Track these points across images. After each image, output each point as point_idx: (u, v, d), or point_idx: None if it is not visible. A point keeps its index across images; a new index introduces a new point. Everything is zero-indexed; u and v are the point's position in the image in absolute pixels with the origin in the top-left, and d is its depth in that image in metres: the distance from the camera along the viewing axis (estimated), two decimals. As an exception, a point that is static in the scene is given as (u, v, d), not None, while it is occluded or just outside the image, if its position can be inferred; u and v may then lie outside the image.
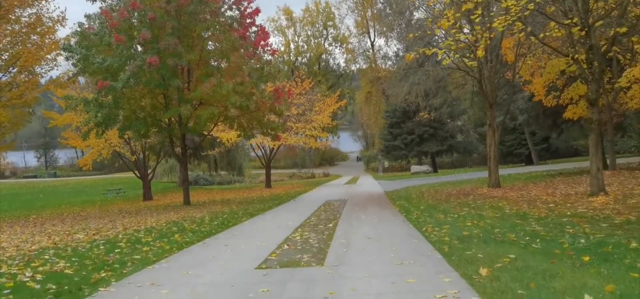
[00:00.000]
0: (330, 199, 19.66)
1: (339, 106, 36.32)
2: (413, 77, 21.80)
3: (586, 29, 10.53)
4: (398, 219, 11.56)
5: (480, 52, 10.69)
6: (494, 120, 17.84)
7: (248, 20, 21.07)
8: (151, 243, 9.02)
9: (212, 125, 21.83)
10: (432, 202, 15.13)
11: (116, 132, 23.02)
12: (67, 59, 18.70)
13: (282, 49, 75.36)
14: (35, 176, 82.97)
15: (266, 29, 22.04)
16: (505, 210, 11.36)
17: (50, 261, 7.54)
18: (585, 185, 16.58)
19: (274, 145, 32.19)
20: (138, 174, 29.87)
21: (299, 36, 76.96)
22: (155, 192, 34.33)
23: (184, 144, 21.29)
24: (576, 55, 10.95)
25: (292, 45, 76.25)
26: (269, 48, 21.12)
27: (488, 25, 12.18)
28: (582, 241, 6.72)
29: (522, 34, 10.80)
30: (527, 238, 7.26)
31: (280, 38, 75.70)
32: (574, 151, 52.62)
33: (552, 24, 9.88)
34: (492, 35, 11.40)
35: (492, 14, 12.04)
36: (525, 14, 9.79)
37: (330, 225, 11.04)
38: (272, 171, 61.92)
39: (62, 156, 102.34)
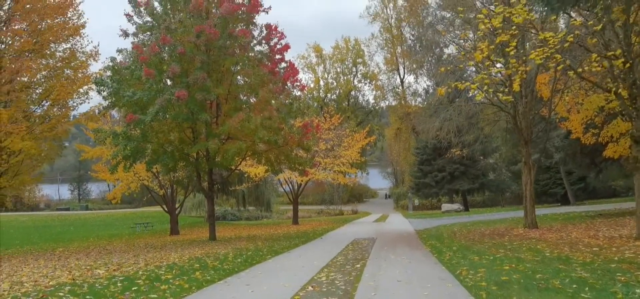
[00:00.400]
0: (359, 238, 19.10)
1: (368, 141, 35.91)
2: (444, 113, 21.26)
3: (630, 63, 9.95)
4: (429, 260, 10.96)
5: (515, 86, 10.19)
6: (530, 157, 17.13)
7: (278, 56, 21.05)
8: (170, 281, 8.67)
9: (240, 160, 21.65)
10: (465, 243, 14.44)
11: (145, 166, 23.16)
12: (98, 92, 18.89)
13: (312, 85, 75.80)
14: (67, 209, 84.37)
15: (295, 65, 21.95)
16: (545, 253, 10.64)
17: (64, 298, 7.24)
18: (629, 228, 15.67)
19: (302, 180, 31.84)
20: (166, 209, 29.84)
21: (328, 73, 77.32)
22: (182, 227, 34.26)
23: (211, 178, 21.14)
24: (619, 90, 10.34)
25: (321, 82, 76.60)
26: (298, 83, 20.94)
27: (524, 58, 11.70)
28: (638, 291, 6.07)
29: (560, 67, 10.28)
30: (574, 286, 6.63)
31: (310, 75, 76.19)
32: (612, 192, 50.69)
33: (594, 56, 9.35)
34: (527, 69, 10.91)
35: (527, 46, 11.56)
36: (564, 45, 9.30)
37: (358, 265, 10.52)
38: (301, 207, 61.48)
39: (94, 189, 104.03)
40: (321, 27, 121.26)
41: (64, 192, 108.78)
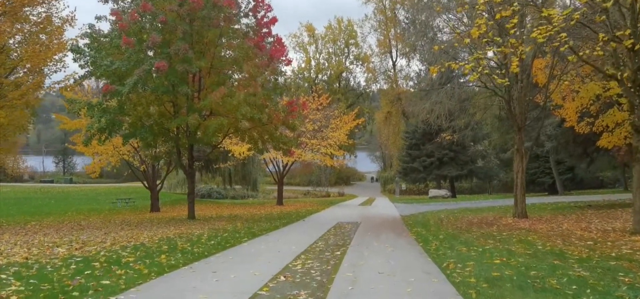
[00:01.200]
0: (342, 221, 18.43)
1: (357, 123, 35.13)
2: (435, 96, 20.51)
3: (637, 46, 9.23)
4: (415, 249, 10.28)
5: (513, 68, 9.46)
6: (523, 145, 16.48)
7: (264, 30, 20.15)
8: (131, 264, 7.90)
9: (221, 137, 20.80)
10: (452, 231, 13.80)
11: (121, 140, 22.23)
12: (75, 60, 17.90)
13: (303, 65, 74.78)
14: (51, 181, 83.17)
15: (283, 41, 21.01)
16: (538, 246, 10.00)
17: (5, 281, 6.46)
18: (622, 221, 15.14)
19: (287, 161, 31.05)
20: (146, 185, 28.96)
21: (320, 53, 76.30)
22: (165, 204, 33.45)
23: (192, 155, 20.28)
24: (624, 75, 9.65)
25: (313, 62, 75.60)
26: (284, 58, 20.03)
27: (523, 38, 10.98)
28: (645, 295, 5.41)
29: (564, 48, 9.54)
30: (574, 287, 5.95)
31: (302, 54, 75.12)
32: (599, 183, 50.65)
33: (601, 36, 8.62)
34: (527, 49, 10.17)
35: (527, 25, 10.81)
36: (570, 23, 8.55)
37: (338, 253, 9.82)
38: (287, 188, 60.79)
39: (79, 162, 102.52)
40: (314, 9, 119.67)
41: (49, 164, 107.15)
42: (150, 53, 18.16)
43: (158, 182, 29.55)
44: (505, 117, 21.63)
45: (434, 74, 10.99)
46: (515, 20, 9.34)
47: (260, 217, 20.82)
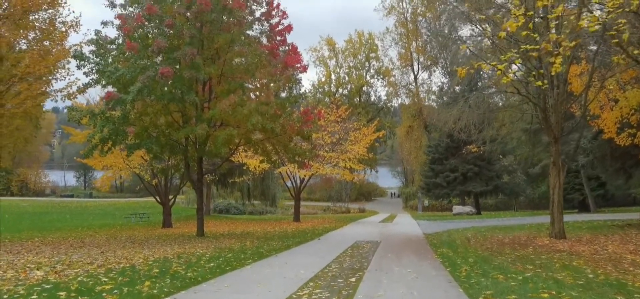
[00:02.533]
0: (361, 240, 17.04)
1: (377, 136, 33.69)
2: (463, 104, 19.07)
3: None
4: (442, 276, 8.88)
5: (556, 66, 8.08)
6: (559, 157, 14.94)
7: (279, 38, 19.07)
8: (103, 295, 6.69)
9: (232, 149, 19.64)
10: (482, 253, 12.33)
11: (138, 153, 21.27)
12: (78, 67, 17.02)
13: (323, 79, 73.73)
14: (71, 196, 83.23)
15: (299, 49, 19.86)
16: (587, 274, 8.52)
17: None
18: (675, 243, 13.50)
19: (304, 175, 29.78)
20: (159, 200, 27.96)
21: (340, 67, 75.18)
22: (179, 220, 32.44)
23: (201, 168, 19.16)
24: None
25: (333, 76, 74.46)
26: (299, 66, 18.85)
27: (566, 31, 9.61)
28: None
29: (626, 36, 8.13)
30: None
31: (322, 68, 74.10)
32: (632, 200, 48.24)
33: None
34: (572, 44, 8.79)
35: (572, 17, 9.41)
36: (628, 9, 7.17)
37: (353, 279, 8.48)
38: (306, 203, 59.62)
39: (100, 177, 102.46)
40: (335, 23, 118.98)
41: (70, 179, 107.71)
42: (158, 59, 17.19)
43: (171, 197, 28.50)
44: (539, 127, 20.03)
45: (462, 76, 9.67)
46: (559, 10, 7.98)
47: (273, 235, 19.55)
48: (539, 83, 10.69)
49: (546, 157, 38.11)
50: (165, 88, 16.33)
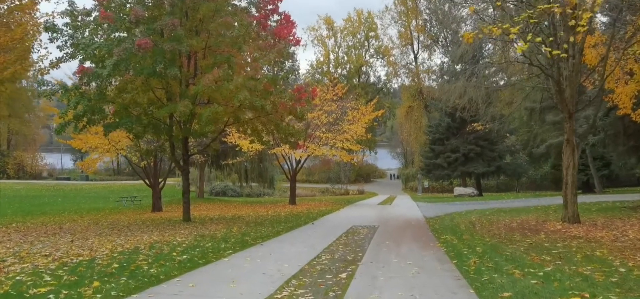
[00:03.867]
0: (357, 225, 15.84)
1: (376, 115, 32.28)
2: (465, 82, 17.75)
3: None
4: (447, 271, 7.67)
5: (584, 20, 6.79)
6: (573, 135, 13.66)
7: (270, 7, 17.69)
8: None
9: (219, 128, 18.34)
10: (491, 240, 11.13)
11: (124, 134, 20.00)
12: (51, 40, 15.67)
13: (322, 59, 72.20)
14: (68, 178, 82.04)
15: (292, 18, 18.49)
16: (616, 267, 7.31)
17: None
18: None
19: (300, 156, 28.50)
20: (147, 182, 26.72)
21: (339, 47, 73.58)
22: (172, 203, 31.21)
23: (186, 148, 17.88)
24: None
25: (332, 56, 72.92)
26: (292, 37, 17.50)
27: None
28: None
29: None
30: None
31: (320, 48, 72.52)
32: (636, 180, 47.13)
33: None
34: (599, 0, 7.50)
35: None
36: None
37: (344, 276, 7.27)
38: (304, 186, 58.47)
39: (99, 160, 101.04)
40: (336, 4, 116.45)
41: (67, 161, 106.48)
42: (138, 31, 15.84)
43: (160, 179, 27.26)
44: (545, 106, 18.77)
45: (469, 42, 8.43)
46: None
47: (265, 219, 18.36)
48: (557, 52, 9.40)
49: (551, 137, 36.87)
50: (145, 62, 14.99)
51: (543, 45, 10.42)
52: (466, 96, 17.54)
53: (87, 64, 15.47)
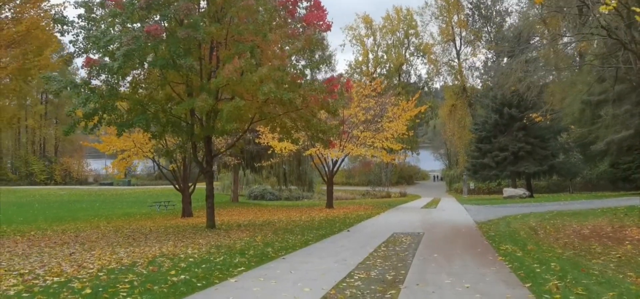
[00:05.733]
0: (399, 232, 13.89)
1: (419, 111, 30.06)
2: (521, 65, 15.49)
3: None
4: (521, 296, 5.70)
5: None
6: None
7: (298, -9, 15.96)
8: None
9: (244, 126, 16.72)
10: (563, 252, 9.02)
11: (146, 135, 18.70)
12: (61, 34, 14.45)
13: (361, 59, 70.26)
14: (111, 184, 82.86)
15: (322, 5, 16.70)
16: None
17: None
18: None
19: (337, 157, 26.63)
20: (177, 187, 25.46)
21: (378, 46, 71.49)
22: (204, 207, 29.97)
23: (209, 149, 16.35)
24: None
25: (371, 55, 70.85)
26: (322, 23, 15.66)
27: None
28: None
29: None
30: None
31: (359, 47, 70.58)
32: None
33: None
34: None
35: None
36: None
37: (381, 306, 5.43)
38: (344, 188, 56.50)
39: (140, 165, 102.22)
40: (372, 6, 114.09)
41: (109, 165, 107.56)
42: (153, 20, 14.40)
43: (190, 184, 25.94)
44: (614, 96, 16.31)
45: (539, 2, 6.45)
46: None
47: (296, 226, 16.63)
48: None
49: (610, 132, 33.79)
50: (159, 52, 13.53)
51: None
52: (526, 81, 15.25)
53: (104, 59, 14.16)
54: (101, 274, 7.41)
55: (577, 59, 31.38)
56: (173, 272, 7.51)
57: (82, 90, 13.54)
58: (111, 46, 13.48)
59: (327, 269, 7.81)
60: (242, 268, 7.92)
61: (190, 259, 8.79)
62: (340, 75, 18.73)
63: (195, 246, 11.05)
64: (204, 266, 8.12)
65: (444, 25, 65.29)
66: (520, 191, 37.93)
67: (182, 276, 7.14)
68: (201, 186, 35.09)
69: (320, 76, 20.08)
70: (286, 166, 49.40)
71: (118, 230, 17.04)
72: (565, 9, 11.98)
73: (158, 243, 12.05)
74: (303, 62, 15.71)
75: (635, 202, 23.39)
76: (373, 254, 9.57)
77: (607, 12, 7.97)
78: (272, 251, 9.98)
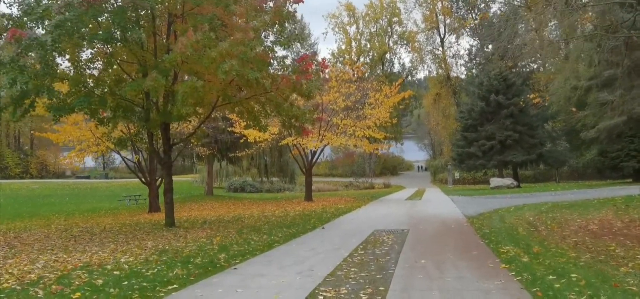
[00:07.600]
0: (381, 229, 12.19)
1: (402, 97, 28.34)
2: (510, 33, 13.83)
3: None
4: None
5: None
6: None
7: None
8: None
9: (206, 110, 14.84)
10: (577, 255, 7.39)
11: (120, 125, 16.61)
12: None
13: (343, 47, 68.46)
14: (88, 177, 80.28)
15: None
16: None
17: None
18: None
19: (315, 147, 24.82)
20: (143, 180, 23.51)
21: (361, 34, 69.71)
22: (177, 201, 28.01)
23: (167, 137, 14.44)
24: None
25: (353, 44, 69.07)
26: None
27: None
28: None
29: None
30: None
31: (342, 36, 68.79)
32: None
33: None
34: None
35: None
36: None
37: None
38: (327, 180, 54.69)
39: (118, 157, 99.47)
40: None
41: (89, 159, 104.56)
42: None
43: (157, 177, 23.96)
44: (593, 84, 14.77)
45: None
46: None
47: (267, 222, 14.85)
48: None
49: (601, 120, 32.54)
50: (102, 23, 11.62)
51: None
52: (514, 56, 13.56)
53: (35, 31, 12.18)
54: (42, 282, 5.57)
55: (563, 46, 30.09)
56: (77, 295, 5.69)
57: (9, 68, 11.56)
58: (41, 8, 11.56)
59: (284, 286, 6.06)
60: (176, 286, 6.11)
61: (116, 272, 6.97)
62: (315, 53, 16.94)
63: (136, 250, 9.21)
64: (125, 282, 6.30)
65: (428, 12, 63.99)
66: (508, 181, 36.56)
67: (104, 293, 5.33)
68: (183, 178, 33.08)
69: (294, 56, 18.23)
70: (267, 157, 47.76)
71: (68, 229, 15.12)
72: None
73: (98, 247, 10.19)
74: (272, 38, 13.88)
75: (630, 192, 22.07)
76: (347, 261, 7.83)
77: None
78: (225, 258, 8.17)
